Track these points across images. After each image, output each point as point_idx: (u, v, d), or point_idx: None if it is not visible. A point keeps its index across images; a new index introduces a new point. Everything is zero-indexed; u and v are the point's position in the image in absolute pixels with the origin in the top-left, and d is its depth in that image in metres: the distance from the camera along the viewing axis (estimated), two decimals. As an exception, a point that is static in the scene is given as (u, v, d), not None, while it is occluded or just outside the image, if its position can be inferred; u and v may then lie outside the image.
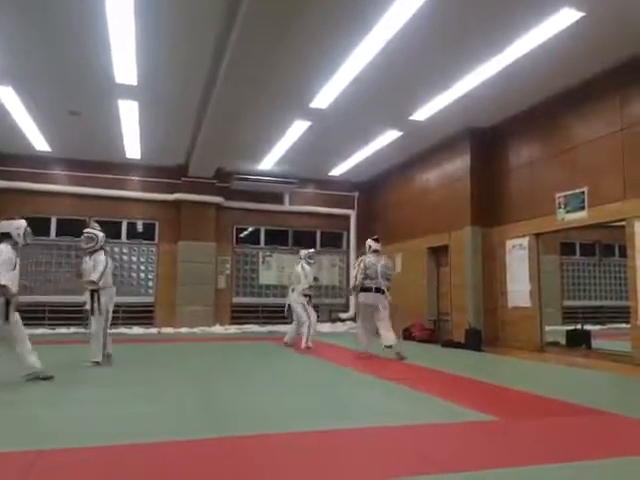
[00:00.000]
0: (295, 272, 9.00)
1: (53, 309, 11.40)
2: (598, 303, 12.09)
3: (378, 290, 7.49)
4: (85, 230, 6.73)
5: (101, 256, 6.44)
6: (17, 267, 5.21)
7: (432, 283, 11.07)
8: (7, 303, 5.04)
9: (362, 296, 7.64)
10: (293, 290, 8.88)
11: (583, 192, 7.68)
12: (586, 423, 3.88)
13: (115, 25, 6.20)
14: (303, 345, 8.41)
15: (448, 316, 10.32)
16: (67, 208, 12.14)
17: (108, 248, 6.91)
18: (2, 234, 5.26)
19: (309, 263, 8.92)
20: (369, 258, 7.67)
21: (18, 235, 5.32)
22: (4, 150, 11.42)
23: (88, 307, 6.36)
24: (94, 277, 6.28)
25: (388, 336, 7.41)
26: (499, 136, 9.58)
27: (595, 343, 8.14)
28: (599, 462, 2.92)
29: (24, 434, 3.40)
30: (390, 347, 7.36)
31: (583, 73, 7.55)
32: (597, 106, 7.64)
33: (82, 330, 6.85)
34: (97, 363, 6.27)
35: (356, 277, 7.62)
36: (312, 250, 9.31)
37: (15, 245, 5.26)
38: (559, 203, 8.07)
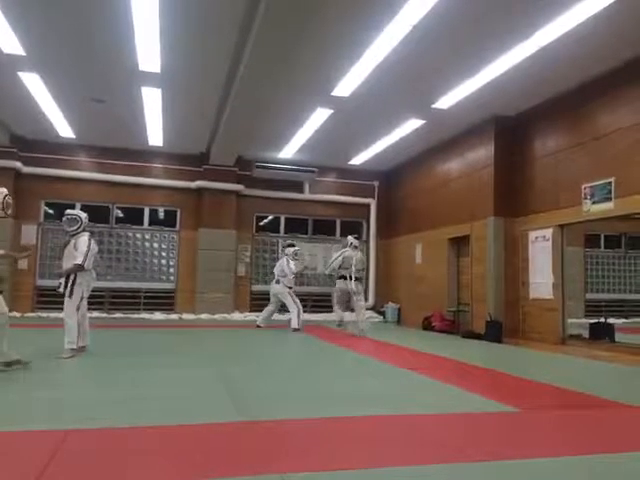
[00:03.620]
0: (280, 265, 10.03)
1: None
2: (622, 296, 11.88)
3: (351, 278, 9.19)
4: (67, 212, 6.19)
5: (84, 237, 5.95)
6: None
7: (452, 273, 10.99)
8: None
9: (339, 282, 9.46)
10: (278, 282, 9.98)
11: (610, 183, 7.51)
12: (608, 416, 3.84)
13: (139, 13, 6.21)
14: (293, 326, 9.60)
15: (468, 307, 10.25)
16: (90, 194, 12.32)
17: (94, 231, 6.45)
18: None
19: (295, 259, 10.08)
20: (348, 252, 9.37)
21: (5, 206, 4.89)
22: (29, 136, 11.60)
23: (61, 289, 5.87)
24: (79, 260, 5.76)
25: (362, 319, 9.20)
26: (524, 125, 9.41)
27: (618, 336, 8.02)
28: (620, 455, 2.89)
29: (51, 414, 3.49)
30: (363, 330, 9.06)
31: (611, 60, 7.35)
32: (625, 94, 7.45)
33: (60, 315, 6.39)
34: (72, 350, 5.74)
35: (332, 264, 9.52)
36: (298, 248, 10.51)
37: None
38: (585, 194, 7.92)
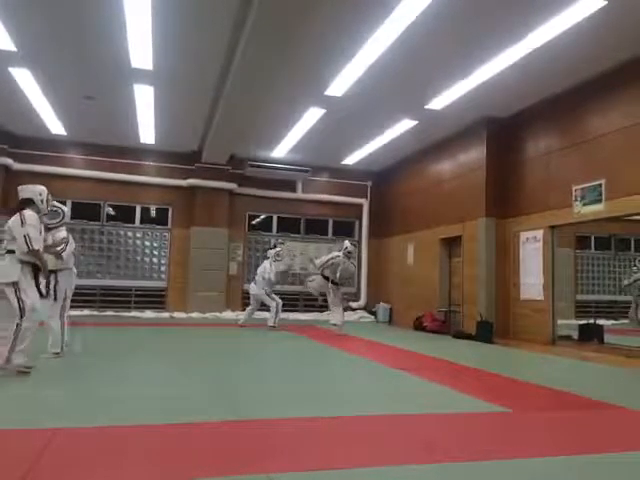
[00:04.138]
0: (263, 267, 10.04)
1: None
2: (612, 298, 11.96)
3: (329, 280, 9.31)
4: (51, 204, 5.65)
5: (62, 232, 5.79)
6: (42, 234, 4.88)
7: (444, 274, 11.02)
8: (36, 269, 4.76)
9: (319, 279, 9.58)
10: (255, 282, 10.06)
11: (600, 184, 7.56)
12: (597, 417, 3.87)
13: (132, 10, 6.18)
14: (269, 324, 9.71)
15: (459, 307, 10.29)
16: (82, 192, 12.23)
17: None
18: (24, 200, 4.90)
19: (276, 260, 10.11)
20: (338, 259, 9.28)
21: (41, 201, 4.97)
22: (20, 133, 11.51)
23: (42, 289, 5.41)
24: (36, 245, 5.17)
25: (335, 317, 9.34)
26: (516, 126, 9.46)
27: (607, 338, 8.07)
28: (609, 455, 2.91)
29: (38, 413, 3.46)
30: (335, 325, 9.31)
31: (603, 64, 7.41)
32: (616, 97, 7.50)
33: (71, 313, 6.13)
34: (57, 354, 5.56)
35: (319, 263, 9.50)
36: (279, 249, 10.42)
37: (38, 212, 4.89)
38: (576, 195, 7.97)
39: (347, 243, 9.47)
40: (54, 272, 5.66)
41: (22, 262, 4.68)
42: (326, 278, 9.35)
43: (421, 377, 5.18)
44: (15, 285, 4.60)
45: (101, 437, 2.95)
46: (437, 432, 3.32)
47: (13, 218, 4.74)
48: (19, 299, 4.59)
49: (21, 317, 4.55)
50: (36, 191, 5.00)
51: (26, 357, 4.62)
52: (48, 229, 5.71)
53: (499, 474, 2.59)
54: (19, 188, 5.06)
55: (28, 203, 4.90)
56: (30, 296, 4.67)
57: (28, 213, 4.76)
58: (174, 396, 4.06)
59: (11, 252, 4.68)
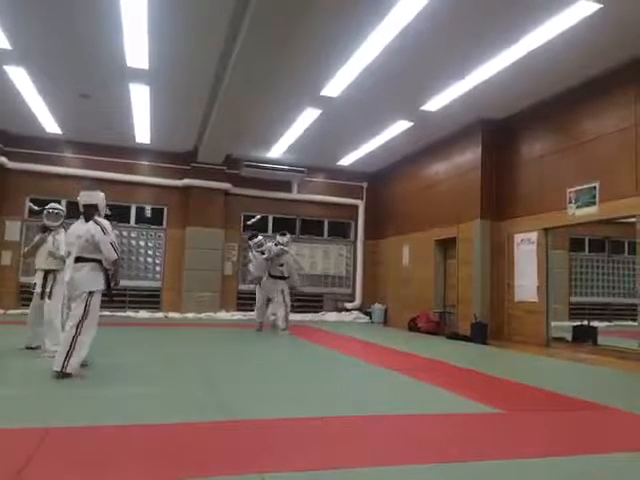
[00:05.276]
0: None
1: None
2: (606, 300, 12.01)
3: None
4: (51, 205, 6.06)
5: (62, 234, 5.74)
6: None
7: (439, 275, 11.05)
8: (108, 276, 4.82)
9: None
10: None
11: (594, 187, 7.60)
12: (589, 418, 3.88)
13: (128, 8, 6.17)
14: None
15: (454, 309, 10.31)
16: (77, 191, 12.09)
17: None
18: (90, 206, 4.91)
19: (258, 251, 9.58)
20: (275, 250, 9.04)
21: (103, 207, 5.03)
22: (15, 131, 11.45)
23: (38, 290, 5.70)
24: (62, 253, 5.44)
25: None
26: (511, 128, 9.49)
27: (601, 339, 8.11)
28: (601, 456, 2.93)
29: (30, 412, 3.45)
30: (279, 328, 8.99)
31: (598, 67, 7.45)
32: (611, 101, 7.54)
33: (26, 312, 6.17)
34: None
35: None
36: (261, 238, 9.90)
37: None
38: (570, 198, 8.01)
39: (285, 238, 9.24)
40: (53, 272, 5.70)
41: (102, 270, 4.75)
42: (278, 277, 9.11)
43: (414, 378, 5.18)
44: (93, 295, 4.67)
45: (94, 437, 2.94)
46: (430, 432, 3.32)
47: (89, 225, 4.71)
48: (87, 306, 4.63)
49: (81, 324, 4.54)
50: (100, 198, 5.04)
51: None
52: (49, 231, 5.82)
53: (490, 474, 2.60)
54: (82, 194, 5.07)
55: (94, 209, 4.92)
56: (98, 304, 4.74)
57: (105, 221, 4.83)
58: (166, 395, 4.05)
59: (86, 260, 4.68)
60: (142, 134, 11.41)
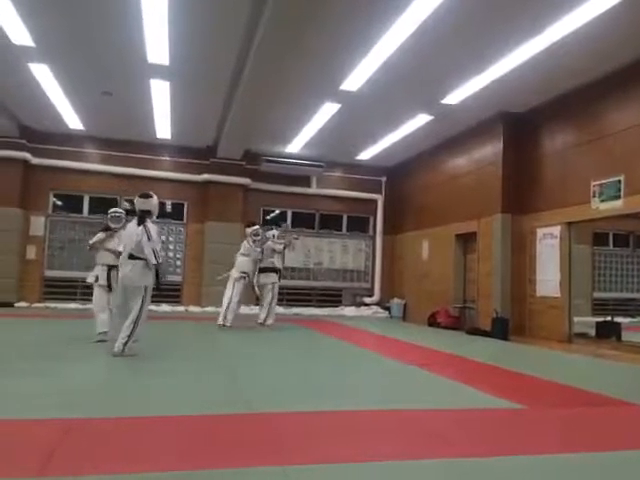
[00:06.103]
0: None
1: (85, 285, 11.67)
2: (630, 295, 11.80)
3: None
4: (113, 210, 6.74)
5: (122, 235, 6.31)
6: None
7: (459, 270, 10.96)
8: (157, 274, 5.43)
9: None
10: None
11: (619, 181, 7.45)
12: (614, 414, 3.82)
13: (148, 5, 6.22)
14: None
15: (474, 304, 10.23)
16: (98, 186, 12.37)
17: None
18: (146, 211, 5.45)
19: (255, 241, 9.08)
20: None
21: (156, 211, 5.60)
22: (38, 128, 11.64)
23: (103, 282, 6.41)
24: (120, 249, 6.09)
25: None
26: (533, 121, 9.35)
27: (625, 335, 7.97)
28: (624, 453, 2.88)
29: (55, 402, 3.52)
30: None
31: (621, 58, 7.28)
32: (635, 92, 7.37)
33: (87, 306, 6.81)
34: (104, 333, 6.19)
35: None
36: (257, 227, 9.25)
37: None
38: (594, 191, 7.86)
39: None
40: (115, 267, 6.19)
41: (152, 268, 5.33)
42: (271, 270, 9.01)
43: (434, 373, 5.16)
44: (147, 289, 5.36)
45: (119, 426, 2.99)
46: (449, 428, 3.30)
47: (139, 229, 5.30)
48: (144, 301, 5.33)
49: (139, 315, 5.27)
50: (154, 204, 5.59)
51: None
52: (114, 231, 6.46)
53: (511, 470, 2.58)
54: (138, 200, 5.59)
55: (148, 214, 5.47)
56: (150, 297, 5.44)
57: (154, 227, 5.41)
58: (188, 387, 4.10)
59: (138, 258, 5.32)
60: (163, 130, 11.52)
